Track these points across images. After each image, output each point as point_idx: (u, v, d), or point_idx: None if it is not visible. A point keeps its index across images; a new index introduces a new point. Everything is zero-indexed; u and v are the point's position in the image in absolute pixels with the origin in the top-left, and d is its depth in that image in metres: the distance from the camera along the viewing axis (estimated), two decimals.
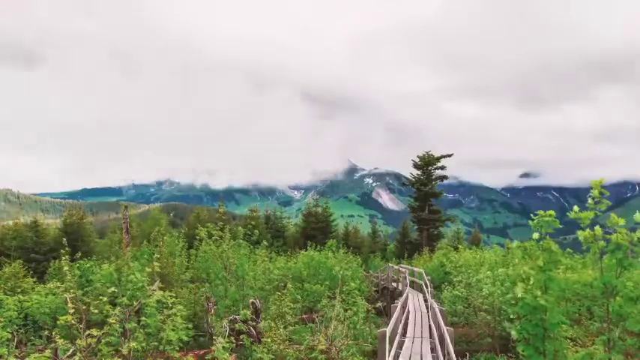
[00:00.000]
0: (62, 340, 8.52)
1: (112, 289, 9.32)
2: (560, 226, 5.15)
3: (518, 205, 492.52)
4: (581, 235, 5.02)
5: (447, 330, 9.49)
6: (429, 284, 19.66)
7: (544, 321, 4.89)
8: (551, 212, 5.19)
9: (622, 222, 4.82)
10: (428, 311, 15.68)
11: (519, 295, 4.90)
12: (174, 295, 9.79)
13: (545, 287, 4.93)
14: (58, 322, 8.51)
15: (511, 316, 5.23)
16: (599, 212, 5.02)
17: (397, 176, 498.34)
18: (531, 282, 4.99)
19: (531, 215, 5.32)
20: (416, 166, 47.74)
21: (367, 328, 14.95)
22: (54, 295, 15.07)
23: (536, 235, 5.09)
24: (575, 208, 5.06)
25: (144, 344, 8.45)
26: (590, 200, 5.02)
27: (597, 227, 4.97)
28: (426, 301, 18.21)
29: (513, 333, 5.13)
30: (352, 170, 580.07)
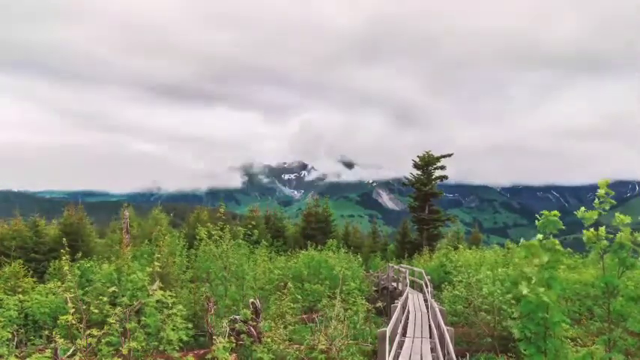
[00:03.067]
0: (62, 340, 8.52)
1: (113, 288, 9.32)
2: (564, 227, 5.16)
3: (518, 205, 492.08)
4: (585, 234, 5.03)
5: (447, 330, 9.49)
6: (429, 284, 19.66)
7: (546, 320, 4.91)
8: (556, 212, 5.21)
9: (628, 219, 4.84)
10: (428, 311, 15.68)
11: (524, 293, 4.91)
12: (174, 295, 9.78)
13: (548, 285, 4.94)
14: (58, 322, 8.51)
15: (513, 315, 5.26)
16: (603, 212, 5.04)
17: (397, 176, 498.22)
18: (534, 280, 5.00)
19: (535, 215, 5.32)
20: (416, 166, 47.75)
21: (367, 328, 14.95)
22: (54, 294, 15.07)
23: (540, 236, 5.11)
24: (582, 208, 5.08)
25: (144, 344, 8.44)
26: (596, 200, 5.04)
27: (601, 228, 4.99)
28: (426, 301, 18.21)
29: (515, 332, 5.14)
30: (352, 170, 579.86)
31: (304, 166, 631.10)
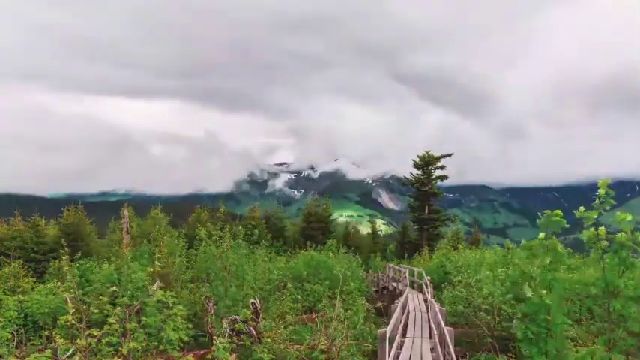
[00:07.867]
0: (62, 340, 8.52)
1: (113, 288, 9.33)
2: (567, 226, 5.17)
3: (518, 205, 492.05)
4: (585, 234, 5.04)
5: (447, 330, 9.50)
6: (429, 284, 19.67)
7: (547, 321, 4.91)
8: (558, 212, 5.23)
9: (629, 218, 4.84)
10: (428, 311, 15.68)
11: (528, 295, 4.92)
12: (174, 295, 9.79)
13: (550, 287, 4.95)
14: (58, 322, 8.51)
15: (513, 316, 5.28)
16: (602, 212, 5.06)
17: (397, 176, 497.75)
18: (537, 281, 5.01)
19: (538, 214, 5.34)
20: (416, 165, 47.81)
21: (367, 328, 14.94)
22: (54, 294, 15.06)
23: (542, 235, 5.12)
24: (581, 208, 5.09)
25: (144, 344, 8.45)
26: (596, 200, 5.06)
27: (601, 227, 5.00)
28: (426, 301, 18.21)
29: (518, 332, 5.15)
30: (352, 169, 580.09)
31: (304, 166, 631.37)
